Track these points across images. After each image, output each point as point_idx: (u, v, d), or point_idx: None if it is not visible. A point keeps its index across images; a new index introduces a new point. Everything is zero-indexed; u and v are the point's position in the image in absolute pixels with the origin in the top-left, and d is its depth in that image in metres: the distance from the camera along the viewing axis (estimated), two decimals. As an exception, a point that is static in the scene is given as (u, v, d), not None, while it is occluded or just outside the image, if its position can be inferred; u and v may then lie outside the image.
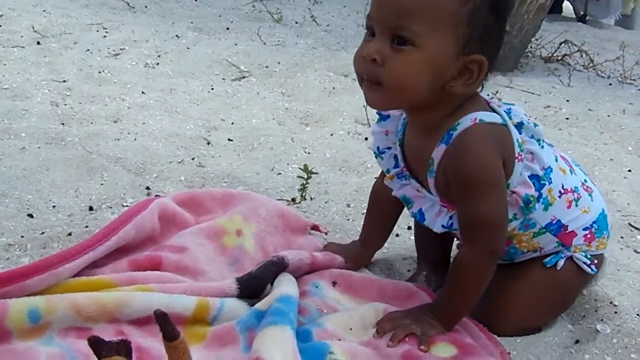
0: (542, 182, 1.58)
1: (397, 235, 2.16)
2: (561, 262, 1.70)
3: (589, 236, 1.71)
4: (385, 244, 2.09)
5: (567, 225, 1.67)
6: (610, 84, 4.46)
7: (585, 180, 1.74)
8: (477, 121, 1.51)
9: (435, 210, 1.66)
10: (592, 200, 1.72)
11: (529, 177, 1.55)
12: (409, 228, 2.21)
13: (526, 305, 1.69)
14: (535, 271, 1.71)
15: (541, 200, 1.60)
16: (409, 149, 1.68)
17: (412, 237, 2.12)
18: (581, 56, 4.75)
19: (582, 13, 6.96)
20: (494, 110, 1.57)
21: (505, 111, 1.57)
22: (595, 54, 4.87)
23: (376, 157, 1.78)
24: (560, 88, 4.16)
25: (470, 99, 1.55)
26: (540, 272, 1.71)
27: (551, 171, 1.61)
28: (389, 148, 1.74)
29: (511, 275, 1.71)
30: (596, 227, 1.72)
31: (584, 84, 4.36)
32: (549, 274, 1.70)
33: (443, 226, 1.64)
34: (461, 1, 1.42)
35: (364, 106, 3.15)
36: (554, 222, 1.65)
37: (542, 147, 1.59)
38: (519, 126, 1.57)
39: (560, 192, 1.63)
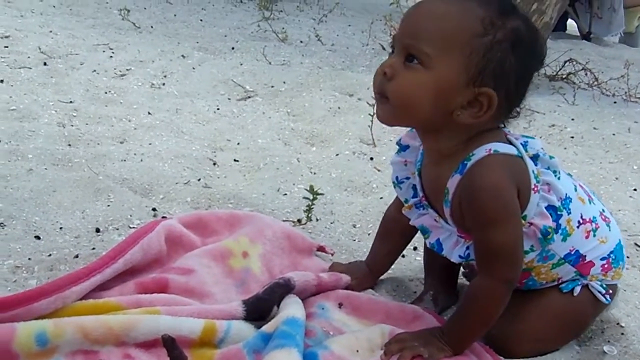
0: (559, 212, 1.58)
1: (403, 256, 2.16)
2: (577, 289, 1.70)
3: (606, 266, 1.71)
4: (392, 265, 2.10)
5: (585, 255, 1.67)
6: (615, 102, 4.46)
7: (603, 210, 1.74)
8: (492, 152, 1.51)
9: (453, 241, 1.65)
10: (609, 230, 1.72)
11: (545, 208, 1.55)
12: (415, 249, 2.21)
13: (541, 329, 1.69)
14: (551, 296, 1.71)
15: (560, 231, 1.60)
16: (426, 178, 1.68)
17: (418, 258, 2.12)
18: (586, 74, 4.76)
19: (586, 31, 6.98)
20: (510, 142, 1.57)
21: (522, 143, 1.57)
22: (600, 72, 4.88)
23: (395, 187, 1.78)
24: (565, 106, 4.16)
25: (489, 131, 1.55)
26: (556, 297, 1.70)
27: (570, 201, 1.61)
28: (408, 178, 1.74)
29: (527, 299, 1.71)
30: (613, 257, 1.72)
31: (589, 102, 4.37)
32: (565, 299, 1.70)
33: (460, 256, 1.64)
34: (478, 32, 1.44)
35: (369, 126, 3.16)
36: (572, 252, 1.65)
37: (559, 178, 1.59)
38: (535, 158, 1.57)
39: (579, 222, 1.63)
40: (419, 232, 1.78)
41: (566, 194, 1.60)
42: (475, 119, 1.48)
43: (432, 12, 1.48)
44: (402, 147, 1.74)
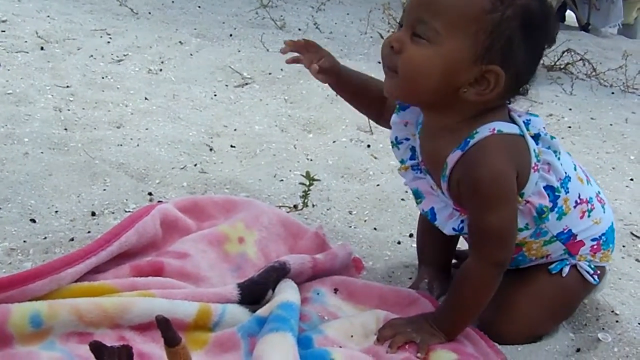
0: (557, 193, 1.59)
1: (398, 242, 2.17)
2: (566, 269, 1.71)
3: (595, 247, 1.71)
4: (387, 252, 2.11)
5: (577, 235, 1.68)
6: (613, 93, 4.46)
7: (599, 192, 1.74)
8: (495, 131, 1.51)
9: (448, 212, 1.66)
10: (604, 212, 1.73)
11: (544, 187, 1.56)
12: (411, 236, 2.22)
13: (532, 310, 1.69)
14: (540, 277, 1.72)
15: (556, 209, 1.60)
16: (424, 146, 1.68)
17: (414, 245, 2.12)
18: (584, 65, 4.75)
19: (585, 22, 6.97)
20: (513, 120, 1.57)
21: (524, 121, 1.58)
22: (598, 63, 4.87)
23: (392, 147, 1.77)
24: (563, 97, 4.16)
25: (495, 109, 1.55)
26: (545, 278, 1.72)
27: (569, 180, 1.62)
28: (407, 139, 1.74)
29: (517, 281, 1.72)
30: (604, 239, 1.72)
31: (587, 92, 4.36)
32: (554, 280, 1.71)
33: (454, 229, 1.65)
34: (487, 9, 1.42)
35: (366, 113, 3.15)
36: (565, 231, 1.66)
37: (559, 158, 1.60)
38: (536, 137, 1.57)
39: (576, 202, 1.64)
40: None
41: (566, 173, 1.61)
42: (481, 97, 1.48)
43: None
44: (402, 107, 1.73)
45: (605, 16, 7.00)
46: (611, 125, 3.59)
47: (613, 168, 3.01)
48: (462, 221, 1.63)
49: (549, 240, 1.66)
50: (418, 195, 1.73)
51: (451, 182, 1.58)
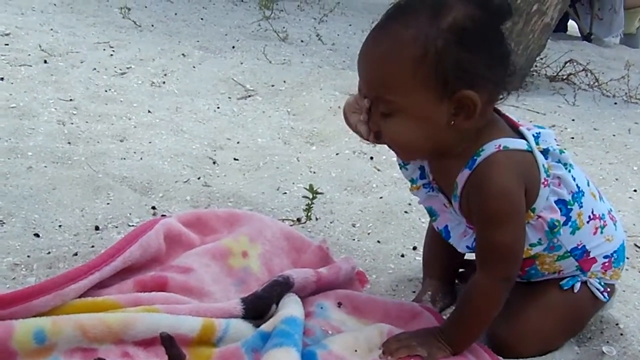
0: (569, 206, 1.58)
1: (402, 255, 2.16)
2: (578, 285, 1.70)
3: (606, 264, 1.71)
4: (391, 265, 2.10)
5: (590, 251, 1.67)
6: (616, 103, 4.47)
7: (611, 210, 1.74)
8: (501, 148, 1.50)
9: (461, 230, 1.66)
10: (615, 229, 1.72)
11: (555, 201, 1.55)
12: (414, 249, 2.21)
13: (542, 325, 1.69)
14: (552, 292, 1.71)
15: (569, 223, 1.60)
16: (434, 166, 1.68)
17: (418, 258, 2.12)
18: (586, 75, 4.76)
19: (587, 32, 6.98)
20: (521, 135, 1.56)
21: (534, 135, 1.56)
22: (601, 73, 4.88)
23: (400, 168, 1.77)
24: (566, 107, 4.16)
25: (491, 123, 1.55)
26: (557, 293, 1.71)
27: (583, 195, 1.61)
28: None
29: (528, 295, 1.71)
30: (615, 256, 1.72)
31: (589, 103, 4.37)
32: (565, 295, 1.71)
33: (468, 247, 1.65)
34: (419, 54, 1.40)
35: (369, 125, 3.16)
36: (579, 247, 1.65)
37: (570, 171, 1.59)
38: (545, 152, 1.56)
39: (589, 217, 1.63)
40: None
41: (579, 187, 1.60)
42: (470, 122, 1.47)
43: (370, 59, 1.48)
44: None
45: (608, 26, 7.02)
46: (614, 135, 3.59)
47: (616, 179, 3.00)
48: (475, 240, 1.62)
49: (563, 255, 1.65)
50: (432, 213, 1.73)
51: (462, 201, 1.57)
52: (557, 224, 1.55)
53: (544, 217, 1.55)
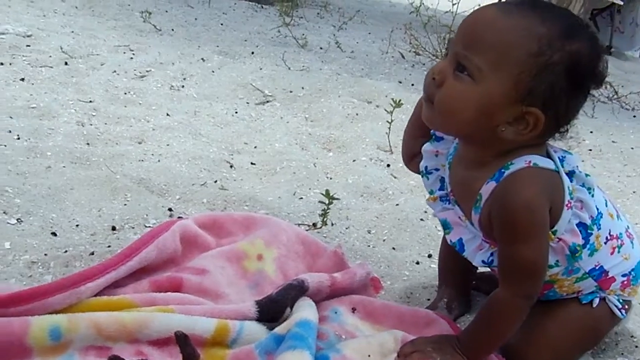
0: (589, 230, 1.56)
1: (417, 263, 2.16)
2: (596, 301, 1.69)
3: (625, 282, 1.69)
4: (406, 272, 2.10)
5: (609, 271, 1.65)
6: (635, 116, 4.45)
7: (628, 227, 1.72)
8: (531, 164, 1.49)
9: (477, 244, 1.64)
10: (632, 247, 1.70)
11: (576, 225, 1.54)
12: (429, 256, 2.21)
13: (560, 339, 1.67)
14: (571, 306, 1.69)
15: (588, 246, 1.58)
16: (456, 176, 1.66)
17: (433, 266, 2.12)
18: (605, 88, 4.74)
19: (606, 45, 6.96)
20: (549, 155, 1.55)
21: (559, 157, 1.55)
22: (620, 86, 4.86)
23: (422, 176, 1.76)
24: (584, 119, 4.15)
25: (531, 146, 1.52)
26: (575, 307, 1.69)
27: (601, 217, 1.59)
28: (437, 169, 1.72)
29: (547, 308, 1.69)
30: (633, 274, 1.70)
31: (608, 115, 4.35)
32: (584, 310, 1.69)
33: (483, 261, 1.63)
34: (533, 52, 1.39)
35: (386, 133, 3.17)
36: (597, 267, 1.63)
37: (593, 195, 1.57)
38: (570, 174, 1.55)
39: (607, 238, 1.62)
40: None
41: (598, 210, 1.58)
42: (519, 137, 1.46)
43: (490, 23, 1.43)
44: (436, 138, 1.71)
45: (629, 39, 7.00)
46: (632, 148, 3.58)
47: (634, 192, 2.99)
48: (491, 254, 1.61)
49: (581, 277, 1.63)
50: (446, 226, 1.71)
51: (483, 214, 1.55)
52: (578, 248, 1.54)
53: (565, 240, 1.53)
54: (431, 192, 1.74)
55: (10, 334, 1.42)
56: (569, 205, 1.52)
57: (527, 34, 1.40)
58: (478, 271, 1.99)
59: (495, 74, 1.41)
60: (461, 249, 1.68)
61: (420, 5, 5.70)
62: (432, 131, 1.71)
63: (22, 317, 1.45)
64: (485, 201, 1.54)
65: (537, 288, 1.54)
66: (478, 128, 1.47)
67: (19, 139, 2.77)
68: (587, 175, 1.58)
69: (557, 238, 1.53)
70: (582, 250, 1.55)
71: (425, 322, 1.76)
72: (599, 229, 1.59)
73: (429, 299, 1.98)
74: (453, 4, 5.06)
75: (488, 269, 1.79)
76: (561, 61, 1.40)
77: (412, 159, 1.81)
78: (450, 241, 1.70)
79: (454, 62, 1.45)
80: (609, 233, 1.62)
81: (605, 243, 1.61)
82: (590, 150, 3.54)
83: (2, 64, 3.76)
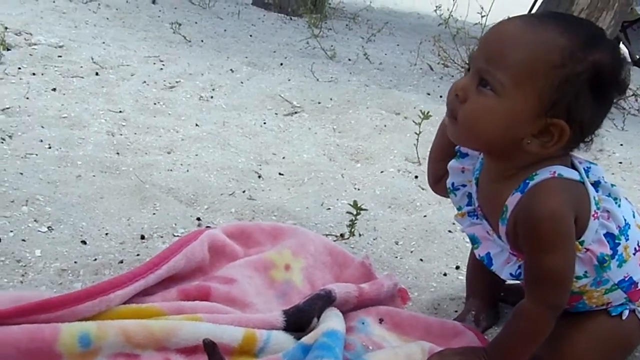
0: (617, 240, 1.55)
1: (444, 274, 2.16)
2: (626, 313, 1.67)
3: None
4: (433, 283, 2.10)
5: (638, 283, 1.63)
6: (665, 129, 4.41)
7: None
8: (556, 175, 1.48)
9: (504, 257, 1.64)
10: None
11: (604, 235, 1.53)
12: (457, 268, 2.21)
13: (587, 350, 1.65)
14: (600, 318, 1.67)
15: (616, 257, 1.56)
16: (483, 191, 1.66)
17: (460, 277, 2.11)
18: (636, 100, 4.72)
19: (637, 57, 6.91)
20: (573, 166, 1.55)
21: (584, 168, 1.55)
22: (651, 98, 4.83)
23: (449, 193, 1.75)
24: (614, 132, 4.12)
25: (556, 157, 1.51)
26: (605, 320, 1.67)
27: (629, 228, 1.58)
28: (464, 185, 1.72)
29: (575, 320, 1.68)
30: None
31: (638, 128, 4.32)
32: (613, 322, 1.67)
33: (511, 274, 1.62)
34: (556, 64, 1.39)
35: (414, 144, 3.16)
36: (626, 279, 1.61)
37: (619, 205, 1.56)
38: (596, 185, 1.54)
39: (635, 249, 1.60)
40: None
41: (625, 220, 1.57)
42: (544, 149, 1.45)
43: (511, 37, 1.43)
44: (461, 155, 1.71)
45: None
46: (663, 161, 3.54)
47: (664, 205, 2.96)
48: (519, 267, 1.60)
49: (610, 288, 1.61)
50: (475, 241, 1.71)
51: (509, 226, 1.55)
52: (607, 258, 1.52)
53: (593, 250, 1.52)
54: (459, 208, 1.74)
55: (40, 340, 1.43)
56: (595, 215, 1.51)
57: (549, 46, 1.39)
58: (506, 283, 1.98)
59: (518, 88, 1.40)
60: (489, 263, 1.67)
61: (449, 17, 5.70)
62: (457, 147, 1.71)
63: (52, 324, 1.47)
64: (511, 212, 1.53)
65: (564, 298, 1.53)
66: (503, 142, 1.47)
67: (50, 148, 2.80)
68: (612, 185, 1.57)
69: (585, 248, 1.52)
70: (610, 261, 1.53)
71: (453, 333, 1.75)
72: (627, 239, 1.57)
73: (456, 311, 1.97)
74: (482, 16, 5.05)
75: (515, 285, 1.78)
76: (584, 72, 1.40)
77: (437, 182, 1.81)
78: (479, 255, 1.70)
79: (476, 78, 1.44)
80: (638, 244, 1.60)
81: (634, 254, 1.59)
82: (621, 163, 3.51)
83: (34, 74, 3.81)
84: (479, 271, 1.88)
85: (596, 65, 1.40)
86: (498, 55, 1.42)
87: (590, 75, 1.40)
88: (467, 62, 1.49)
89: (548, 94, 1.40)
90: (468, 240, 2.06)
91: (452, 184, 1.74)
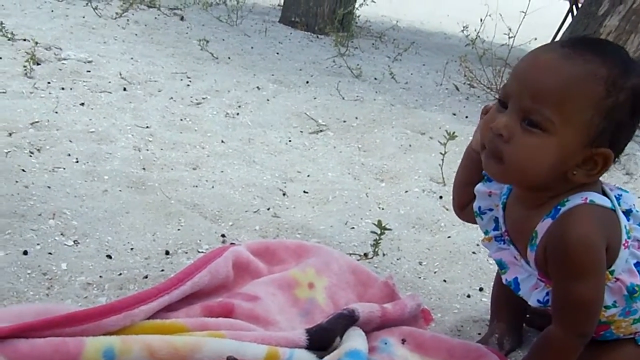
0: None
1: (468, 296, 2.15)
2: None
3: None
4: (457, 305, 2.09)
5: None
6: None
7: None
8: (588, 201, 1.47)
9: (532, 283, 1.62)
10: None
11: (634, 264, 1.51)
12: (481, 290, 2.20)
13: None
14: (626, 347, 1.66)
15: None
16: (511, 215, 1.65)
17: (484, 299, 2.10)
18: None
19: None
20: (605, 193, 1.54)
21: (616, 196, 1.54)
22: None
23: (476, 217, 1.75)
24: (641, 155, 4.09)
25: (588, 184, 1.50)
26: (631, 349, 1.66)
27: None
28: (491, 209, 1.71)
29: (601, 349, 1.66)
30: None
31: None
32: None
33: (539, 301, 1.60)
34: (602, 95, 1.38)
35: (439, 165, 3.16)
36: None
37: None
38: (627, 213, 1.53)
39: None
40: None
41: None
42: (589, 178, 1.45)
43: (553, 71, 1.40)
44: (489, 179, 1.70)
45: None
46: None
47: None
48: (547, 293, 1.58)
49: (639, 318, 1.61)
50: (502, 266, 1.69)
51: (539, 252, 1.53)
52: (637, 289, 1.51)
53: (623, 280, 1.50)
54: (486, 233, 1.73)
55: (65, 352, 1.45)
56: (626, 244, 1.50)
57: (593, 78, 1.39)
58: (530, 308, 1.97)
59: (568, 124, 1.39)
60: (516, 288, 1.66)
61: (477, 38, 5.70)
62: (484, 171, 1.70)
63: (76, 337, 1.48)
64: (541, 238, 1.52)
65: (592, 327, 1.51)
66: (552, 177, 1.46)
67: (77, 162, 2.83)
68: None
69: (615, 278, 1.50)
70: None
71: (476, 355, 1.75)
72: None
73: (479, 333, 1.96)
74: (509, 37, 5.04)
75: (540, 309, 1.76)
76: (627, 99, 1.40)
77: (463, 208, 1.81)
78: (506, 280, 1.68)
79: (519, 116, 1.42)
80: None
81: None
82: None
83: (63, 88, 3.85)
84: (504, 294, 1.86)
85: (635, 91, 1.41)
86: (542, 91, 1.40)
87: (632, 102, 1.40)
88: (501, 95, 1.47)
89: (595, 125, 1.40)
90: (492, 262, 2.06)
91: (479, 207, 1.73)
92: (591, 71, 1.39)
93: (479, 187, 1.72)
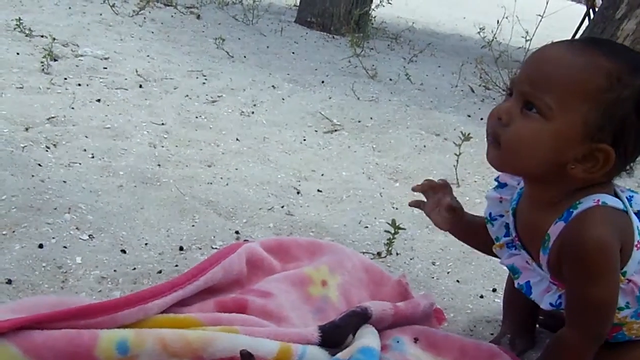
0: None
1: (481, 296, 2.15)
2: None
3: None
4: (469, 305, 2.09)
5: None
6: None
7: None
8: (600, 203, 1.46)
9: (544, 287, 1.62)
10: None
11: None
12: (494, 290, 2.19)
13: None
14: (638, 349, 1.66)
15: None
16: (522, 220, 1.64)
17: (497, 300, 2.10)
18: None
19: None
20: (616, 195, 1.52)
21: (627, 197, 1.53)
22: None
23: (487, 223, 1.75)
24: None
25: (598, 185, 1.49)
26: None
27: None
28: (501, 216, 1.71)
29: (613, 351, 1.65)
30: None
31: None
32: None
33: (551, 304, 1.60)
34: (603, 88, 1.38)
35: (454, 166, 3.16)
36: None
37: None
38: (639, 214, 1.52)
39: None
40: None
41: None
42: (589, 174, 1.44)
43: (557, 60, 1.42)
44: (500, 185, 1.71)
45: None
46: None
47: None
48: (559, 296, 1.58)
49: None
50: (514, 272, 1.69)
51: (552, 254, 1.53)
52: None
53: (636, 282, 1.50)
54: (497, 239, 1.73)
55: (79, 345, 1.45)
56: (638, 245, 1.49)
57: (597, 70, 1.39)
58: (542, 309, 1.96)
59: (565, 111, 1.39)
60: (528, 292, 1.65)
61: (493, 40, 5.69)
62: (496, 177, 1.71)
63: (91, 330, 1.49)
64: (553, 242, 1.51)
65: (606, 329, 1.51)
66: (547, 166, 1.45)
67: (93, 157, 2.84)
68: None
69: (627, 279, 1.50)
70: None
71: (488, 355, 1.74)
72: None
73: (492, 334, 1.96)
74: (526, 40, 5.03)
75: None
76: (631, 96, 1.39)
77: (483, 251, 1.88)
78: (518, 284, 1.68)
79: (520, 101, 1.44)
80: None
81: None
82: (662, 191, 3.47)
83: (79, 84, 3.87)
84: (516, 295, 1.86)
85: None
86: (544, 78, 1.41)
87: (637, 100, 1.39)
88: (509, 86, 1.49)
89: (594, 118, 1.39)
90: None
91: (490, 214, 1.73)
92: (595, 63, 1.39)
93: (491, 193, 1.73)
